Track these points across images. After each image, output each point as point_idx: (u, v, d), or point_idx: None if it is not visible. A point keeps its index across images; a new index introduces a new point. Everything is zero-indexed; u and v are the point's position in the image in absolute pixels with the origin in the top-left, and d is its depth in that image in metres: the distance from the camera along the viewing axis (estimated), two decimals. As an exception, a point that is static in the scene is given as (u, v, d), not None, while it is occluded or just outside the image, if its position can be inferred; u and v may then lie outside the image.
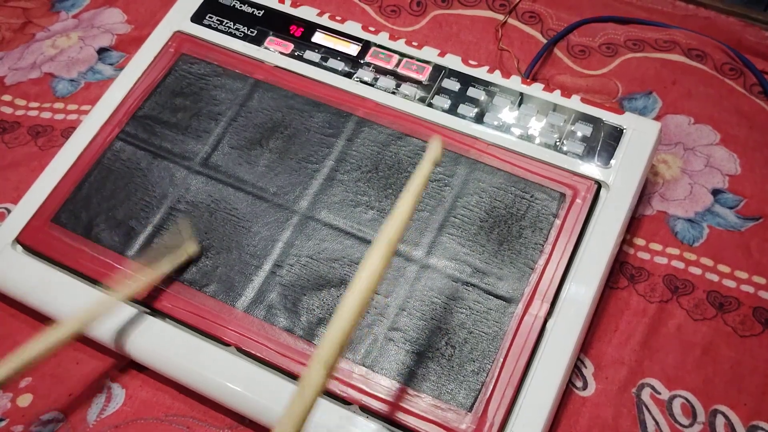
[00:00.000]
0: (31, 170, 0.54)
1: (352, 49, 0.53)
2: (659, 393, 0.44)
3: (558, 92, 0.50)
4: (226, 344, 0.43)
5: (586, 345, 0.45)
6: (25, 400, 0.45)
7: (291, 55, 0.53)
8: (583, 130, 0.48)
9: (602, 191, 0.46)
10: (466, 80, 0.51)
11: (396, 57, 0.52)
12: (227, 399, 0.42)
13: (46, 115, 0.58)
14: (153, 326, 0.44)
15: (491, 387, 0.40)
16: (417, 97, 0.50)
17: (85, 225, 0.47)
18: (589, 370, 0.45)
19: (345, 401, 0.41)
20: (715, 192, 0.51)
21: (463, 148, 0.48)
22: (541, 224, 0.45)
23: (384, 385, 0.41)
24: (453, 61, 0.52)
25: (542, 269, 0.43)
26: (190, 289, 0.45)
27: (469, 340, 0.42)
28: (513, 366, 0.41)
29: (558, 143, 0.48)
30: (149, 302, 0.44)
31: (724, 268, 0.48)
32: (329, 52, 0.53)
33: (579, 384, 0.44)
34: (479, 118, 0.49)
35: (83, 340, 0.47)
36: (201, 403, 0.44)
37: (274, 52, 0.53)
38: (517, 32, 0.60)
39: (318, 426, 0.40)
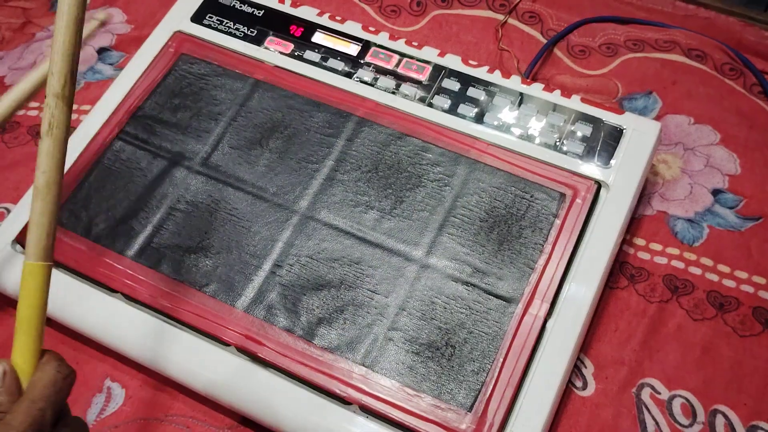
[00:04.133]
0: (30, 170, 0.53)
1: (352, 49, 0.53)
2: (659, 393, 0.44)
3: (558, 92, 0.50)
4: (226, 344, 0.43)
5: (586, 345, 0.45)
6: (25, 400, 0.45)
7: (291, 55, 0.53)
8: (583, 130, 0.48)
9: (602, 191, 0.46)
10: (466, 80, 0.51)
11: (396, 57, 0.52)
12: (227, 399, 0.42)
13: (46, 114, 0.58)
14: (152, 326, 0.44)
15: (491, 387, 0.40)
16: (417, 97, 0.50)
17: (85, 225, 0.47)
18: (589, 370, 0.45)
19: (345, 401, 0.41)
20: (715, 192, 0.51)
21: (463, 148, 0.48)
22: (541, 224, 0.45)
23: (384, 385, 0.41)
24: (453, 61, 0.52)
25: (542, 269, 0.43)
26: (190, 289, 0.45)
27: (469, 340, 0.42)
28: (513, 366, 0.41)
29: (558, 143, 0.48)
30: (149, 302, 0.44)
31: (724, 268, 0.48)
32: (329, 52, 0.53)
33: (579, 384, 0.44)
34: (479, 118, 0.49)
35: (83, 340, 0.47)
36: (201, 403, 0.44)
37: (274, 52, 0.53)
38: (517, 32, 0.60)
39: (318, 426, 0.40)
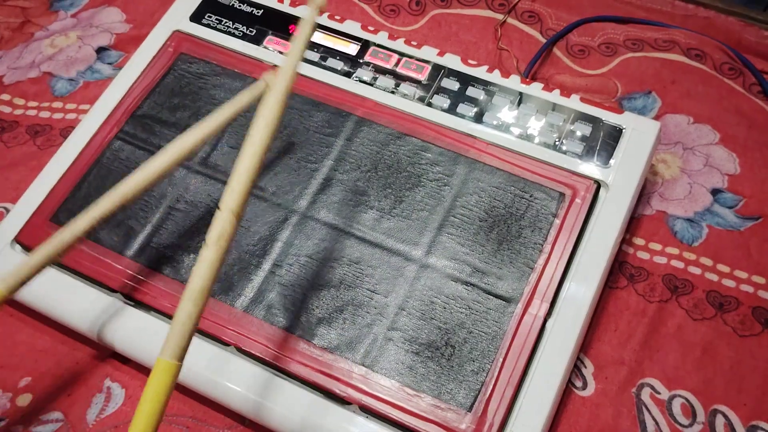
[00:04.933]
0: (29, 170, 0.53)
1: (352, 49, 0.53)
2: (659, 393, 0.44)
3: (557, 92, 0.50)
4: (226, 344, 0.43)
5: (585, 345, 0.45)
6: (24, 400, 0.45)
7: (290, 55, 0.53)
8: (583, 129, 0.48)
9: (602, 191, 0.46)
10: (466, 80, 0.51)
11: (395, 56, 0.52)
12: (227, 399, 0.42)
13: (45, 114, 0.58)
14: (153, 326, 0.44)
15: (491, 387, 0.40)
16: (416, 96, 0.50)
17: (84, 225, 0.47)
18: (588, 370, 0.45)
19: (345, 401, 0.41)
20: (715, 192, 0.51)
21: (462, 148, 0.48)
22: (540, 224, 0.45)
23: (384, 385, 0.41)
24: (452, 61, 0.52)
25: (542, 269, 0.43)
26: (190, 288, 0.45)
27: (468, 339, 0.42)
28: (513, 366, 0.41)
29: (557, 143, 0.48)
30: (148, 301, 0.44)
31: (723, 268, 0.48)
32: (328, 52, 0.53)
33: (579, 384, 0.44)
34: (478, 118, 0.49)
35: (83, 339, 0.47)
36: (201, 403, 0.44)
37: (273, 52, 0.53)
38: (516, 32, 0.60)
39: (318, 426, 0.40)
